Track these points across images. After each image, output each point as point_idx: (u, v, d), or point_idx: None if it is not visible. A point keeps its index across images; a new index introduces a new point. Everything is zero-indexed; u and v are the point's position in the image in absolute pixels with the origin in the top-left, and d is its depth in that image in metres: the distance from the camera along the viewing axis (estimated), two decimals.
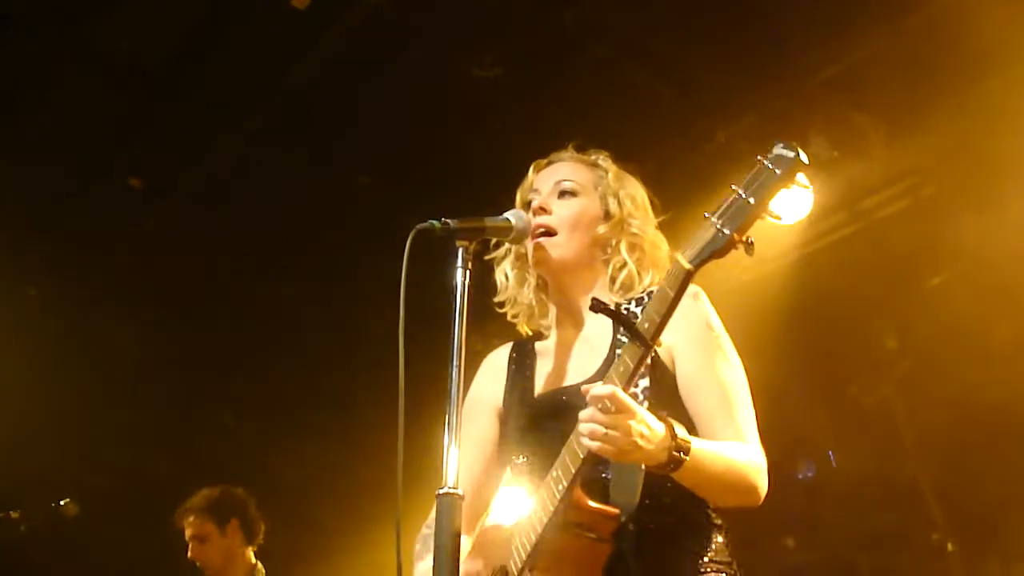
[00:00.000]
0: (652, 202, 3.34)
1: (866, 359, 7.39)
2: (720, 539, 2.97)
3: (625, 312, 2.91)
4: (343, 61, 5.95)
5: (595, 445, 2.57)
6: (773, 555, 7.62)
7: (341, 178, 6.75)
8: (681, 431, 2.67)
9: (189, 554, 6.03)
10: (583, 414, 2.59)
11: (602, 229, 3.21)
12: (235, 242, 7.11)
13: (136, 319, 7.54)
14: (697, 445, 2.69)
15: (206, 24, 5.79)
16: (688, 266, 2.52)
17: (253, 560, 6.14)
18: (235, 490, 6.24)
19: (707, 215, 2.49)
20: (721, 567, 2.92)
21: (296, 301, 7.51)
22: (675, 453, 2.63)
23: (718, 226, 2.46)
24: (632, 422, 2.55)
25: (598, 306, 2.64)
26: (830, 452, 7.68)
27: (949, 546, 6.93)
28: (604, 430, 2.54)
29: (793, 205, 6.42)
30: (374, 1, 5.65)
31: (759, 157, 2.48)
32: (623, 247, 3.19)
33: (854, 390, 7.50)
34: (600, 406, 2.55)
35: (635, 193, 3.30)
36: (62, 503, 6.21)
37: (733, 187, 2.47)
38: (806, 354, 7.24)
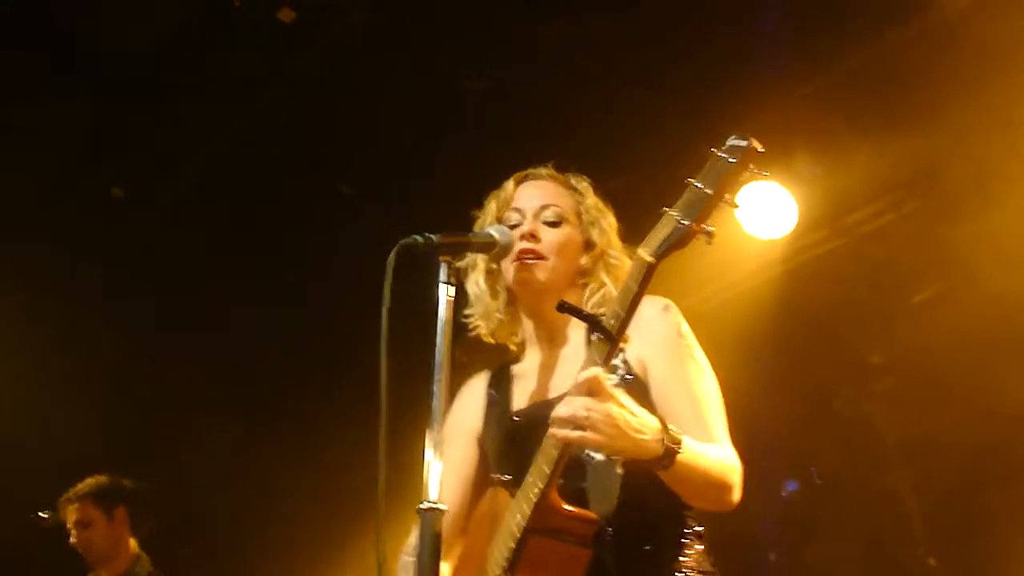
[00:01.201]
0: (619, 228, 3.37)
1: (850, 374, 7.40)
2: (699, 547, 2.99)
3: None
4: (328, 73, 5.95)
5: (575, 435, 2.57)
6: (755, 570, 7.63)
7: (325, 189, 6.74)
8: (673, 425, 2.69)
9: (72, 540, 5.94)
10: (560, 403, 2.60)
11: (584, 259, 3.26)
12: (217, 251, 7.10)
13: (121, 325, 7.52)
14: (688, 442, 2.71)
15: (191, 34, 5.78)
16: (650, 259, 2.56)
17: (137, 549, 6.04)
18: (124, 480, 6.15)
19: (665, 209, 2.55)
20: (701, 575, 2.93)
21: (279, 313, 7.50)
22: (670, 445, 2.65)
23: (677, 217, 2.51)
24: (612, 406, 2.56)
25: (564, 306, 2.70)
26: (813, 469, 7.69)
27: (931, 561, 6.94)
28: (585, 413, 2.55)
29: (776, 220, 6.43)
30: (360, 14, 5.65)
31: (713, 149, 2.54)
32: (602, 274, 3.24)
33: (838, 405, 7.50)
34: (584, 391, 2.56)
35: (612, 222, 3.34)
36: (43, 514, 6.17)
37: (689, 180, 2.52)
38: (789, 369, 7.24)
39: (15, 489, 6.74)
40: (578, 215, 3.31)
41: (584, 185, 3.39)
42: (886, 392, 7.23)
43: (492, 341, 3.39)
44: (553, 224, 3.25)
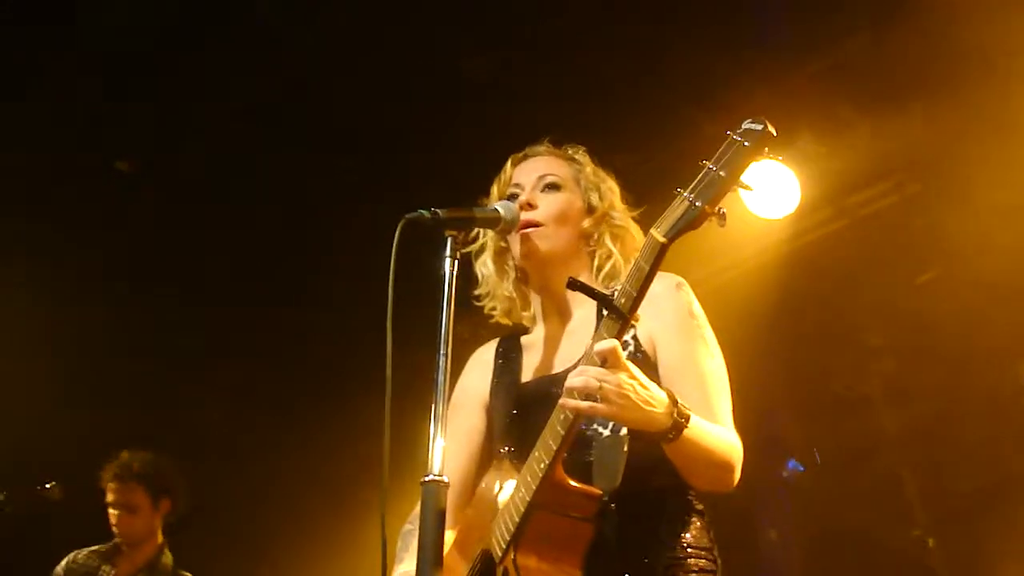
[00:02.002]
0: (623, 195, 3.39)
1: (851, 355, 7.41)
2: (700, 524, 3.01)
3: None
4: (329, 53, 5.96)
5: (584, 405, 2.60)
6: (757, 548, 7.66)
7: (327, 168, 6.74)
8: (681, 400, 2.71)
9: (111, 513, 5.88)
10: (573, 373, 2.63)
11: (587, 223, 3.27)
12: (217, 232, 7.08)
13: (117, 306, 7.51)
14: (696, 419, 2.74)
15: (192, 12, 5.78)
16: (663, 239, 2.57)
17: (161, 539, 6.00)
18: (172, 467, 6.08)
19: (679, 190, 2.56)
20: (701, 552, 2.96)
21: (280, 291, 7.50)
22: (678, 419, 2.68)
23: (690, 199, 2.52)
24: (624, 376, 2.60)
25: (574, 284, 2.70)
26: (815, 450, 7.71)
27: (930, 541, 6.96)
28: (597, 384, 2.58)
29: (780, 201, 6.44)
30: None
31: (728, 132, 2.54)
32: (607, 238, 3.26)
33: (838, 386, 7.52)
34: (598, 361, 2.59)
35: (613, 186, 3.37)
36: (47, 486, 6.15)
37: (704, 162, 2.54)
38: (791, 349, 7.26)
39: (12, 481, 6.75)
40: (577, 181, 3.33)
41: (581, 154, 3.42)
42: (887, 373, 7.25)
43: (508, 322, 3.40)
44: (550, 189, 3.28)
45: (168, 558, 6.01)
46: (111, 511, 5.92)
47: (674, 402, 2.69)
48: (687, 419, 2.70)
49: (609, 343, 2.59)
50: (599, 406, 2.60)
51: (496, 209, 3.10)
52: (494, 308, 3.40)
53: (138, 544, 5.94)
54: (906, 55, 5.92)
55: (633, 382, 2.62)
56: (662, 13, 5.81)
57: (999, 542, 6.56)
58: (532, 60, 6.07)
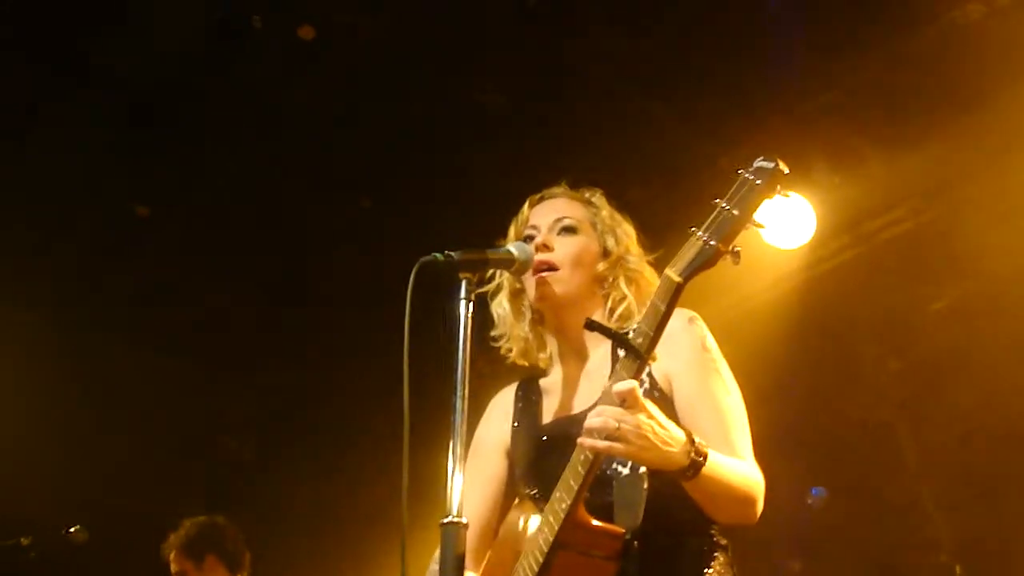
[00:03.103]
0: (640, 236, 3.39)
1: (869, 381, 7.40)
2: (723, 559, 3.00)
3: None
4: (345, 88, 6.01)
5: (603, 444, 2.60)
6: None
7: (345, 205, 6.78)
8: (699, 437, 2.72)
9: None
10: (592, 412, 2.63)
11: (601, 266, 3.27)
12: (237, 267, 7.13)
13: (137, 344, 7.55)
14: (714, 455, 2.74)
15: (210, 51, 5.84)
16: (678, 279, 2.58)
17: None
18: (214, 521, 6.18)
19: (693, 229, 2.57)
20: None
21: (298, 330, 7.53)
22: (695, 457, 2.68)
23: (704, 238, 2.53)
24: (643, 416, 2.60)
25: (592, 325, 2.71)
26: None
27: (957, 568, 6.92)
28: (616, 424, 2.58)
29: (795, 230, 6.45)
30: (378, 31, 5.71)
31: (740, 170, 2.56)
32: (621, 282, 3.25)
33: (858, 412, 7.50)
34: (616, 401, 2.60)
35: (629, 230, 3.37)
36: (72, 529, 6.20)
37: (717, 201, 2.55)
38: (809, 377, 7.25)
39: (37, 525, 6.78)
40: (593, 225, 3.34)
41: (598, 197, 3.42)
42: (905, 399, 7.23)
43: (524, 363, 3.40)
44: (566, 232, 3.29)
45: None
46: None
47: (691, 440, 2.69)
48: (705, 456, 2.70)
49: (628, 383, 2.60)
50: (617, 446, 2.60)
51: (510, 251, 3.10)
52: (510, 349, 3.40)
53: None
54: (919, 82, 5.94)
55: (652, 422, 2.62)
56: (676, 46, 5.84)
57: (1021, 567, 6.53)
58: (547, 96, 6.11)
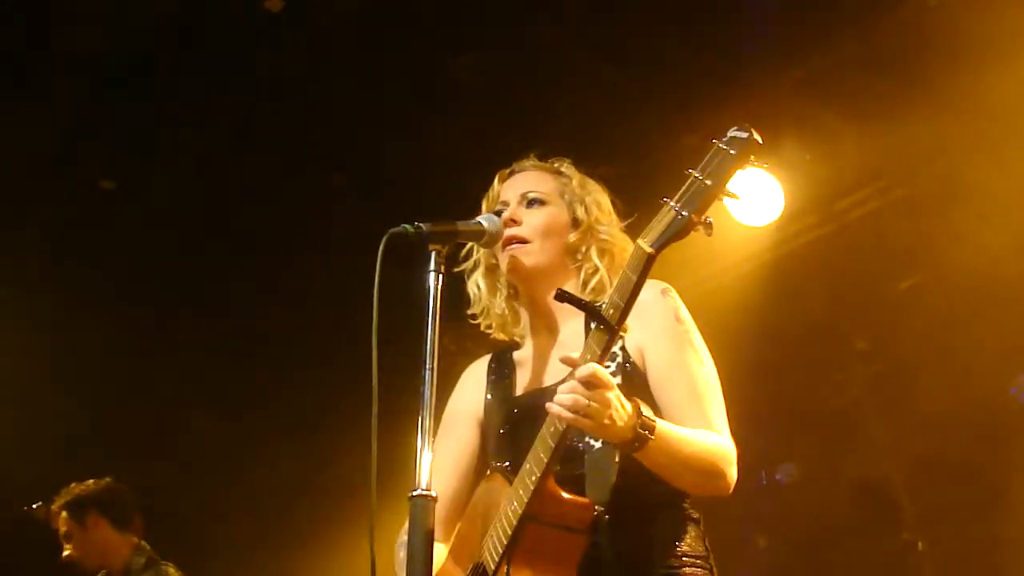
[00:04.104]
0: (615, 205, 3.38)
1: (837, 360, 7.43)
2: (695, 532, 3.01)
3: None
4: (316, 62, 5.97)
5: (569, 416, 2.60)
6: (745, 554, 7.66)
7: (315, 179, 6.75)
8: (647, 411, 2.71)
9: (64, 554, 6.01)
10: (563, 387, 2.63)
11: (572, 237, 3.26)
12: (207, 243, 7.09)
13: (107, 320, 7.50)
14: (663, 426, 2.74)
15: (178, 24, 5.77)
16: (649, 250, 2.57)
17: (137, 542, 6.07)
18: (100, 482, 6.15)
19: (665, 200, 2.55)
20: (697, 561, 2.96)
21: (269, 301, 7.50)
22: (640, 431, 2.67)
23: (677, 208, 2.52)
24: (611, 395, 2.60)
25: (562, 296, 2.69)
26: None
27: (919, 544, 6.97)
28: (586, 401, 2.57)
29: (764, 207, 6.45)
30: (346, 3, 5.66)
31: (714, 140, 2.53)
32: (593, 253, 3.24)
33: (825, 391, 7.53)
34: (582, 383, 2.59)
35: (600, 199, 3.35)
36: (34, 506, 6.18)
37: (690, 171, 2.53)
38: (777, 355, 7.27)
39: (6, 488, 6.74)
40: (561, 195, 3.32)
41: (567, 167, 3.41)
42: (873, 378, 7.26)
43: (503, 337, 3.40)
44: (535, 204, 3.28)
45: (142, 555, 6.05)
46: (63, 548, 6.04)
47: (638, 413, 2.68)
48: (651, 430, 2.69)
49: (588, 368, 2.59)
50: (584, 420, 2.60)
51: (479, 222, 3.10)
52: (489, 325, 3.40)
53: (102, 562, 6.03)
54: (890, 60, 5.95)
55: (616, 401, 2.62)
56: (644, 21, 5.82)
57: (989, 544, 6.57)
58: (512, 67, 6.07)
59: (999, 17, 5.48)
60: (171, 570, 6.02)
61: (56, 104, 6.06)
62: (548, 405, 2.67)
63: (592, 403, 2.58)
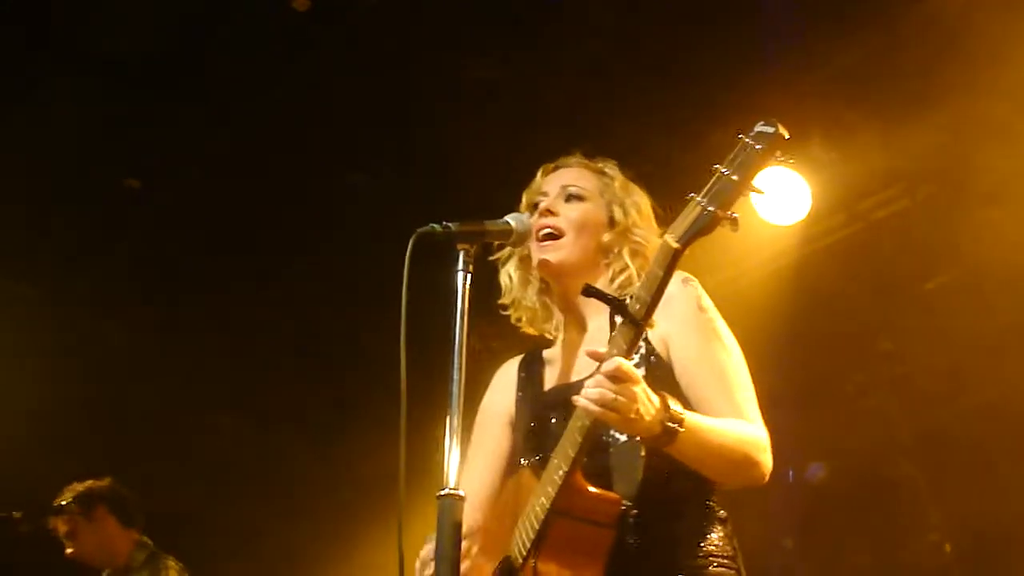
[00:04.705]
0: (656, 212, 3.36)
1: (863, 360, 7.40)
2: (722, 532, 3.01)
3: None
4: (344, 60, 5.98)
5: (597, 410, 2.59)
6: (771, 555, 7.64)
7: (340, 178, 6.76)
8: (675, 404, 2.70)
9: (68, 552, 6.08)
10: (590, 381, 2.62)
11: (607, 236, 3.25)
12: (232, 243, 7.12)
13: (132, 319, 7.54)
14: (693, 418, 2.73)
15: (205, 24, 5.80)
16: (676, 245, 2.57)
17: (139, 536, 6.17)
18: (100, 480, 6.25)
19: (691, 195, 2.55)
20: (723, 561, 2.96)
21: (296, 302, 7.51)
22: (668, 425, 2.66)
23: (703, 204, 2.52)
24: (638, 389, 2.59)
25: (589, 290, 2.70)
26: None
27: (947, 547, 6.94)
28: (613, 396, 2.57)
29: (790, 207, 6.44)
30: (372, 1, 5.68)
31: (740, 135, 2.54)
32: (626, 253, 3.23)
33: (851, 391, 7.50)
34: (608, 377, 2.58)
35: (640, 202, 3.33)
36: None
37: (716, 167, 2.53)
38: (803, 355, 7.24)
39: (16, 489, 6.76)
40: (601, 194, 3.31)
41: (612, 167, 3.40)
42: (899, 378, 7.23)
43: (533, 332, 3.41)
44: (573, 199, 3.28)
45: (144, 551, 6.14)
46: (66, 548, 6.12)
47: (665, 407, 2.67)
48: (680, 423, 2.68)
49: (613, 363, 2.58)
50: (610, 414, 2.59)
51: (507, 222, 3.08)
52: (519, 318, 3.40)
53: (106, 558, 6.14)
54: (917, 59, 5.91)
55: (643, 395, 2.61)
56: (671, 19, 5.81)
57: (1016, 546, 6.54)
58: (540, 66, 6.07)
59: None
60: (171, 562, 6.10)
61: (81, 103, 6.07)
62: (575, 398, 2.67)
63: (619, 397, 2.57)
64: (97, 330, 7.52)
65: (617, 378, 2.58)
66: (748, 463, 2.87)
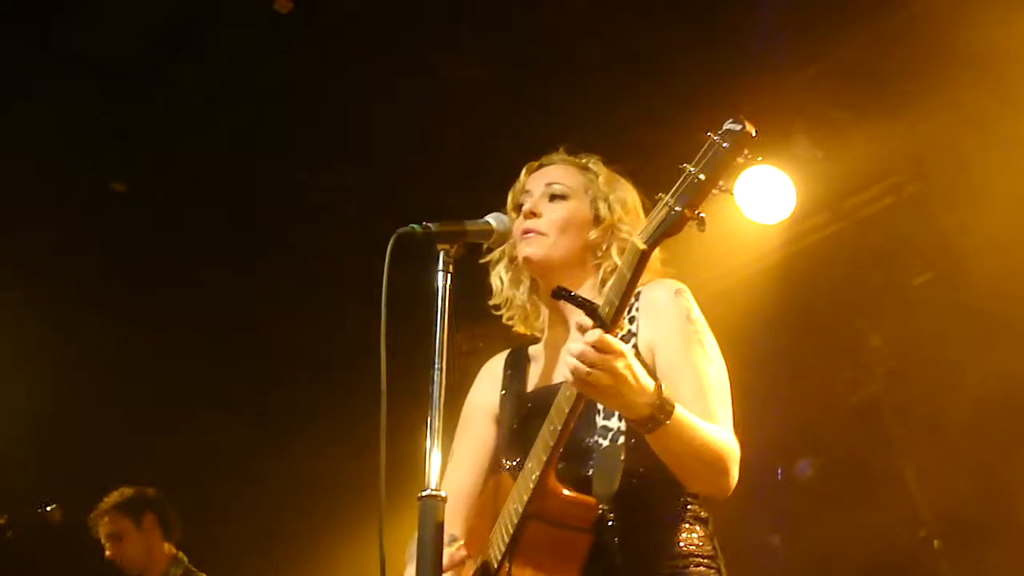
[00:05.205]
0: (645, 206, 3.33)
1: (850, 357, 7.40)
2: (702, 532, 3.00)
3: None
4: (327, 62, 5.96)
5: (576, 380, 2.58)
6: (759, 552, 7.63)
7: (321, 179, 6.75)
8: (669, 393, 2.68)
9: (107, 553, 6.09)
10: (572, 346, 2.59)
11: (593, 234, 3.24)
12: (215, 243, 7.11)
13: (117, 321, 7.52)
14: (681, 411, 2.70)
15: (188, 26, 5.78)
16: (643, 246, 2.55)
17: (175, 551, 6.18)
18: (147, 489, 6.29)
19: (660, 196, 2.54)
20: (703, 561, 2.95)
21: (279, 302, 7.50)
22: (657, 413, 2.64)
23: (670, 204, 2.49)
24: (619, 363, 2.56)
25: (559, 293, 2.67)
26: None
27: (936, 543, 6.94)
28: (587, 368, 2.55)
29: (776, 205, 6.44)
30: (354, 3, 5.66)
31: (708, 133, 2.51)
32: (613, 251, 3.20)
33: (840, 388, 7.50)
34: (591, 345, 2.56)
35: (626, 197, 3.32)
36: (48, 508, 6.20)
37: (684, 165, 2.51)
38: (791, 353, 7.25)
39: (12, 489, 6.74)
40: (586, 191, 3.29)
41: (595, 163, 3.38)
42: (887, 374, 7.23)
43: (525, 331, 3.40)
44: (556, 199, 3.26)
45: (180, 566, 6.17)
46: (105, 548, 6.13)
47: (659, 394, 2.65)
48: (669, 413, 2.66)
49: (595, 334, 2.56)
50: (589, 385, 2.57)
51: (488, 222, 3.07)
52: (511, 317, 3.39)
53: (144, 567, 6.14)
54: (902, 56, 5.93)
55: (627, 371, 2.58)
56: (655, 16, 5.80)
57: (1006, 540, 6.54)
58: (521, 65, 6.06)
59: (1014, 15, 5.47)
60: None
61: (64, 106, 6.06)
62: (547, 425, 2.67)
63: (595, 368, 2.55)
64: (83, 333, 7.50)
65: (598, 349, 2.55)
66: (720, 470, 2.84)
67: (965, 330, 6.50)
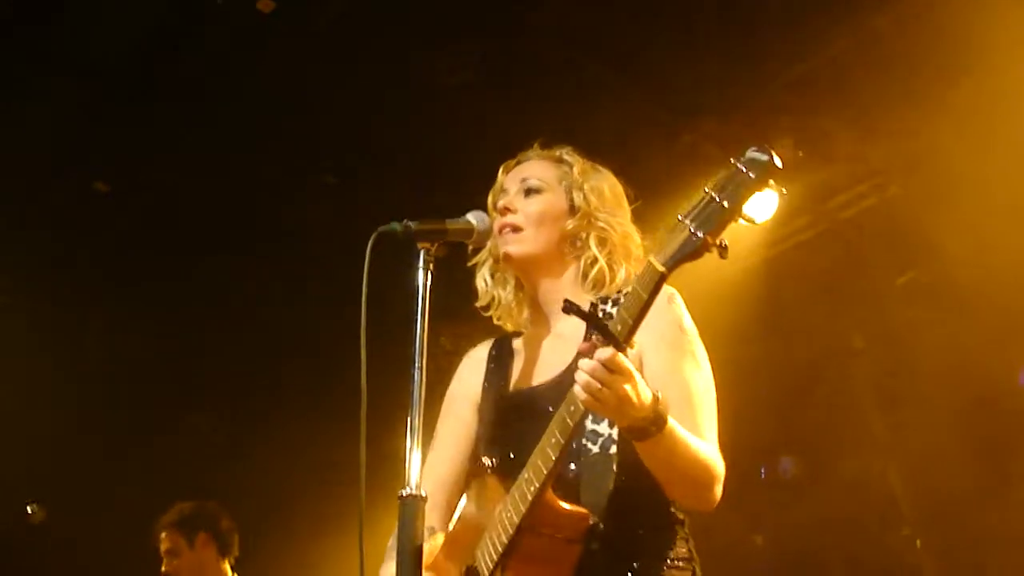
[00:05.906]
0: (628, 195, 3.33)
1: (835, 358, 7.42)
2: (680, 534, 3.00)
3: (600, 313, 2.97)
4: (309, 62, 5.96)
5: (584, 397, 2.55)
6: (742, 553, 7.65)
7: (307, 179, 6.75)
8: (664, 406, 2.66)
9: (163, 568, 6.10)
10: (583, 363, 2.57)
11: (570, 224, 3.22)
12: (201, 243, 7.10)
13: (103, 323, 7.51)
14: (673, 424, 2.70)
15: (170, 26, 5.77)
16: (661, 269, 2.49)
17: (229, 572, 6.21)
18: (207, 504, 6.30)
19: (680, 217, 2.46)
20: (678, 563, 2.95)
21: (266, 300, 7.51)
22: (651, 425, 2.64)
23: (692, 228, 2.42)
24: (628, 386, 2.55)
25: (570, 308, 2.61)
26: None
27: (918, 542, 6.96)
28: (599, 386, 2.53)
29: (759, 206, 6.43)
30: (339, 4, 5.66)
31: (732, 160, 2.44)
32: (592, 242, 3.19)
33: (823, 390, 7.52)
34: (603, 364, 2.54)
35: (602, 185, 3.30)
36: (29, 509, 6.19)
37: (706, 189, 2.43)
38: (774, 354, 7.26)
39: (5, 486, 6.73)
40: (560, 183, 3.28)
41: (570, 153, 3.37)
42: (870, 374, 7.26)
43: (513, 329, 3.38)
44: (531, 193, 3.25)
45: None
46: (163, 563, 6.15)
47: (655, 406, 2.64)
48: (661, 424, 2.66)
49: (607, 352, 2.53)
50: (596, 404, 2.56)
51: (468, 220, 3.06)
52: (499, 317, 3.37)
53: None
54: (885, 60, 5.94)
55: (632, 390, 2.57)
56: (640, 19, 5.81)
57: (986, 541, 6.56)
58: (505, 65, 6.07)
59: (992, 14, 5.49)
60: None
61: (49, 107, 6.05)
62: (554, 424, 2.66)
63: (604, 389, 2.53)
64: (70, 334, 7.50)
65: (609, 368, 2.54)
66: (705, 485, 2.84)
67: (950, 330, 6.52)
